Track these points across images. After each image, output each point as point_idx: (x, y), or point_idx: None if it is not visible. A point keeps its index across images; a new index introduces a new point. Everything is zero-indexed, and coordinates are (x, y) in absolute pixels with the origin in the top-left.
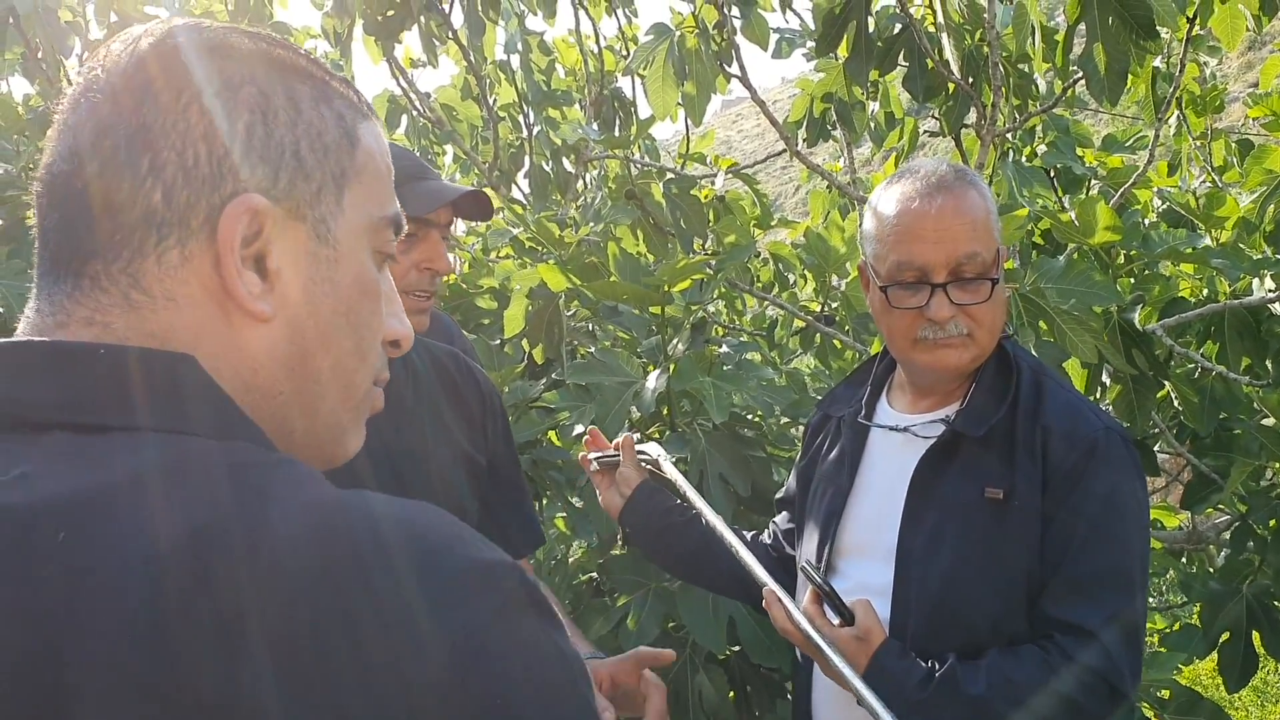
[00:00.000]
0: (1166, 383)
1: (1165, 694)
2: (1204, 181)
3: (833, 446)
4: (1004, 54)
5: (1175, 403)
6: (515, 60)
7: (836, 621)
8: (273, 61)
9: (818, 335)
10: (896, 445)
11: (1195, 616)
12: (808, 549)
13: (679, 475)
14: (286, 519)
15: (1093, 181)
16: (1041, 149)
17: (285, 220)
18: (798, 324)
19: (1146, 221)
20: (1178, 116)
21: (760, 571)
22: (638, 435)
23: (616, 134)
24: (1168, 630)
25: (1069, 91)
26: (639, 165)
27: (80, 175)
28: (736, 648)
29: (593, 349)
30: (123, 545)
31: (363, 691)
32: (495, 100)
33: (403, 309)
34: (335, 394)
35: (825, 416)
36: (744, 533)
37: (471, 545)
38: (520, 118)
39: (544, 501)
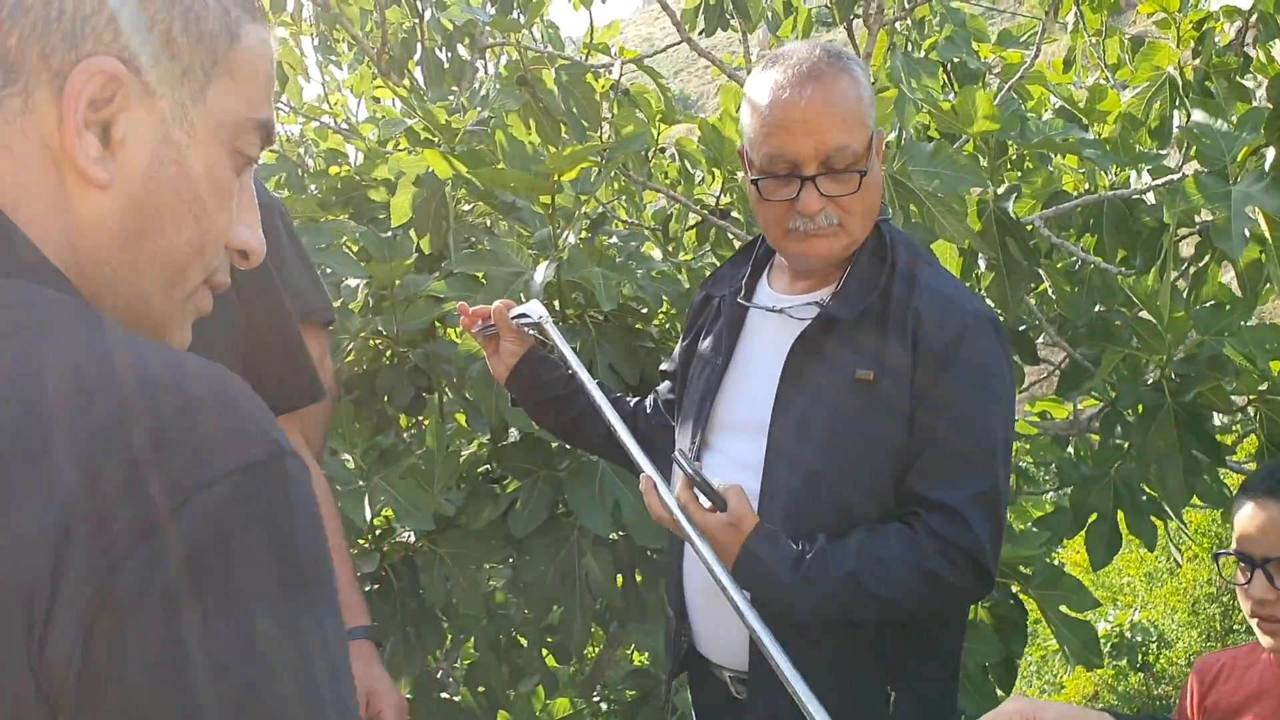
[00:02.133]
0: (1041, 273)
1: (1029, 571)
2: (1097, 78)
3: (713, 326)
4: None
5: (1051, 293)
6: None
7: (709, 507)
8: None
9: (713, 230)
10: (773, 326)
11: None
12: (683, 426)
13: (561, 339)
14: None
15: (988, 76)
16: (941, 44)
17: (141, 94)
18: (693, 218)
19: (1043, 117)
20: (1075, 13)
21: (638, 455)
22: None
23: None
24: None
25: None
26: (534, 52)
27: None
28: (622, 532)
29: (485, 239)
30: None
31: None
32: None
33: (259, 223)
34: (162, 280)
35: (708, 297)
36: (625, 399)
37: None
38: (411, 0)
39: (442, 397)
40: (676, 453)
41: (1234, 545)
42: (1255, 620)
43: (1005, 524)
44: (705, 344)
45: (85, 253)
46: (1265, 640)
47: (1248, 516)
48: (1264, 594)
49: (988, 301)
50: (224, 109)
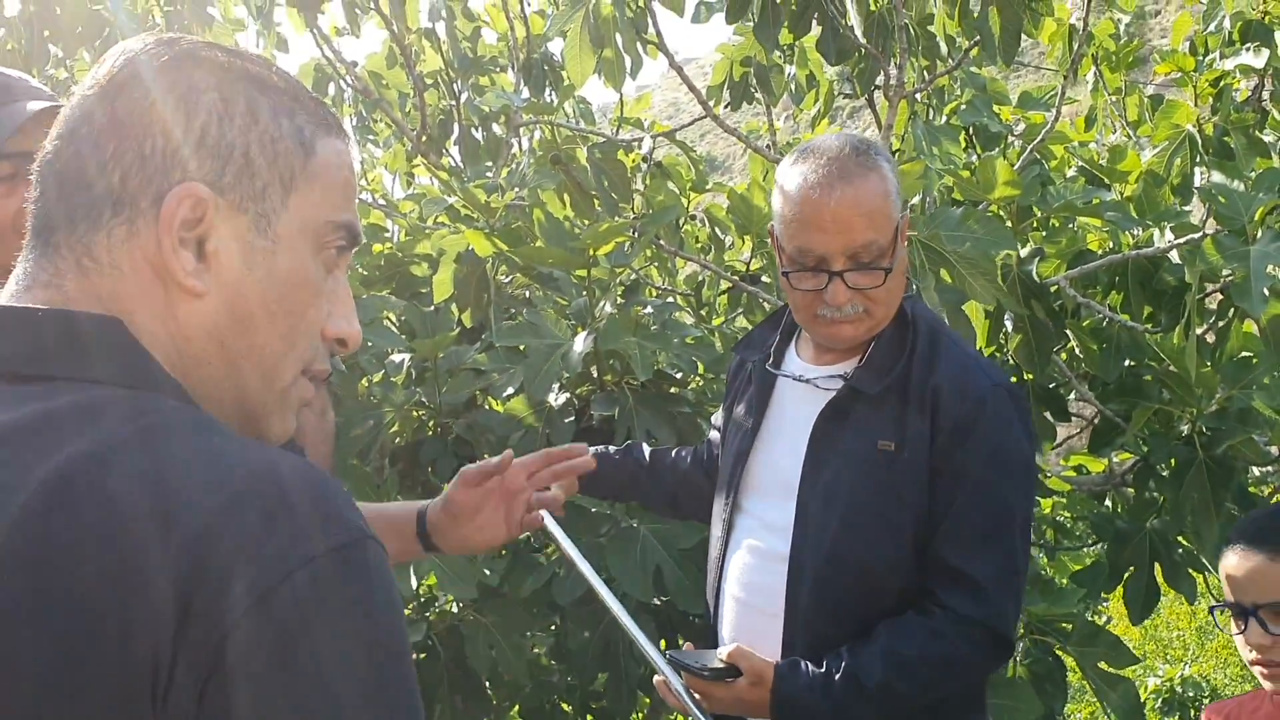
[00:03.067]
0: (1068, 332)
1: (1068, 626)
2: (1119, 136)
3: (745, 391)
4: (909, 16)
5: (1079, 352)
6: (440, 28)
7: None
8: (242, 74)
9: (744, 295)
10: (801, 394)
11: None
12: (719, 489)
13: (560, 534)
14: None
15: (1010, 138)
16: (963, 108)
17: (228, 210)
18: (724, 284)
19: (1067, 174)
20: (1094, 73)
21: (651, 651)
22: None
23: (545, 99)
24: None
25: (971, 51)
26: (568, 130)
27: (60, 156)
28: (665, 598)
29: (524, 312)
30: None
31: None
32: (421, 68)
33: (354, 314)
34: (259, 374)
35: (741, 361)
36: (668, 450)
37: (336, 506)
38: (448, 84)
39: None
40: (670, 654)
41: (1225, 596)
42: (1256, 667)
43: (1024, 593)
44: (739, 409)
45: (190, 356)
46: (1268, 685)
47: (1234, 566)
48: (1260, 640)
49: (1011, 366)
50: (305, 216)
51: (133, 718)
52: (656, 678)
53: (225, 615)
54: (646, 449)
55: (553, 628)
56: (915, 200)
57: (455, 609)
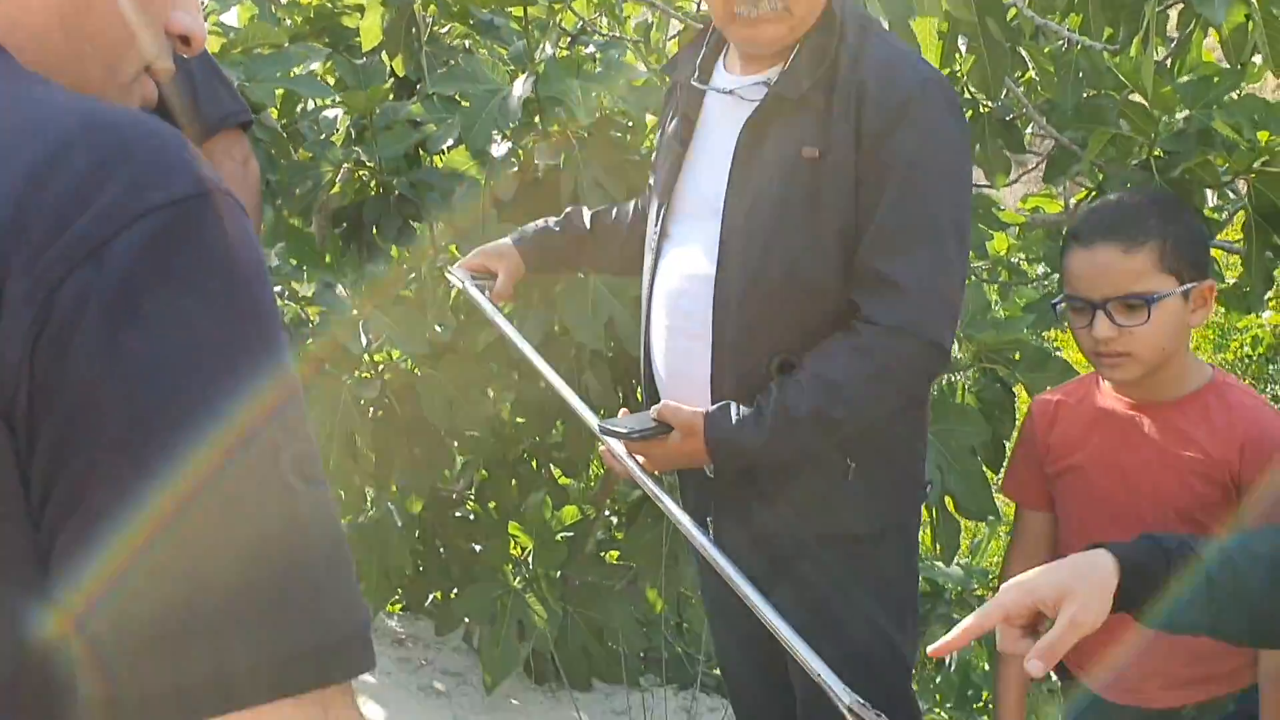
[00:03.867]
0: (1025, 55)
1: (1017, 355)
2: None
3: (676, 112)
4: None
5: (1036, 77)
6: None
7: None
8: None
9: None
10: (727, 108)
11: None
12: (651, 215)
13: (483, 300)
14: None
15: None
16: None
17: None
18: (676, 26)
19: None
20: None
21: (586, 413)
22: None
23: None
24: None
25: None
26: None
27: None
28: (617, 347)
29: (459, 58)
30: None
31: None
32: None
33: (200, 12)
34: (101, 63)
35: (674, 85)
36: (610, 208)
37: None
38: None
39: (431, 227)
40: (601, 425)
41: (1070, 292)
42: (1098, 359)
43: (959, 294)
44: (668, 133)
45: (27, 28)
46: (1111, 375)
47: (1084, 260)
48: (1107, 333)
49: (967, 94)
50: None
51: None
52: (601, 447)
53: (52, 270)
54: (587, 213)
55: (500, 380)
56: None
57: (409, 365)
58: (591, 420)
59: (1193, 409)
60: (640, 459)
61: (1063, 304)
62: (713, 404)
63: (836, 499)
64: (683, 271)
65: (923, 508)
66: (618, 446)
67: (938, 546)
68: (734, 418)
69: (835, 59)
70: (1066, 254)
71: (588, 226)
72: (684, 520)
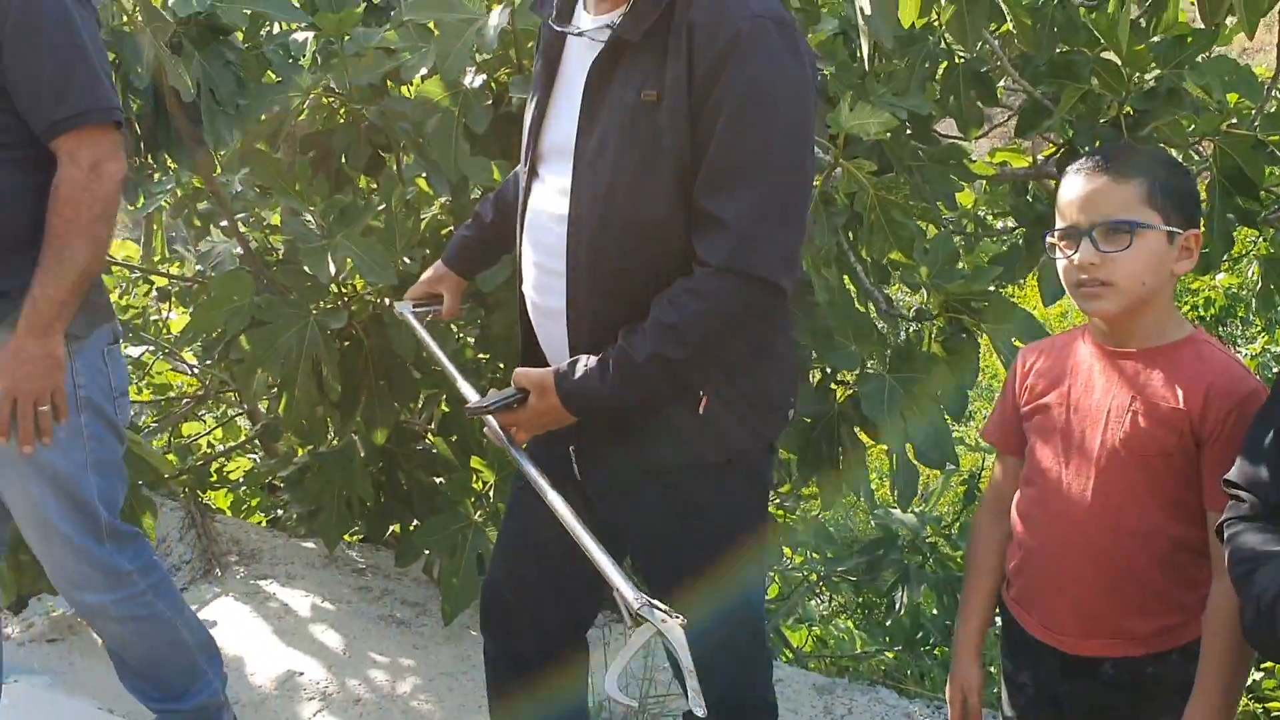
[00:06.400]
0: (1003, 6)
1: (983, 305)
2: None
3: (540, 54)
4: None
5: (1013, 28)
6: None
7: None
8: None
9: None
10: (582, 50)
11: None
12: (522, 160)
13: (419, 328)
14: None
15: None
16: None
17: None
18: None
19: None
20: None
21: (468, 391)
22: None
23: None
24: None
25: None
26: None
27: None
28: None
29: None
30: None
31: None
32: None
33: None
34: None
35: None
36: (511, 179)
37: None
38: None
39: (399, 159)
40: (466, 410)
41: (1060, 224)
42: (1079, 290)
43: (793, 230)
44: (536, 70)
45: None
46: (1087, 305)
47: (1077, 186)
48: (1090, 258)
49: (945, 44)
50: None
51: None
52: (487, 430)
53: None
54: (489, 201)
55: (467, 315)
56: None
57: (377, 299)
58: (470, 393)
59: (1167, 359)
60: (511, 430)
61: (1052, 236)
62: (569, 338)
63: (687, 429)
64: (544, 210)
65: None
66: (490, 421)
67: (894, 493)
68: (580, 370)
69: (673, 0)
70: (1061, 187)
71: (490, 215)
72: (540, 482)
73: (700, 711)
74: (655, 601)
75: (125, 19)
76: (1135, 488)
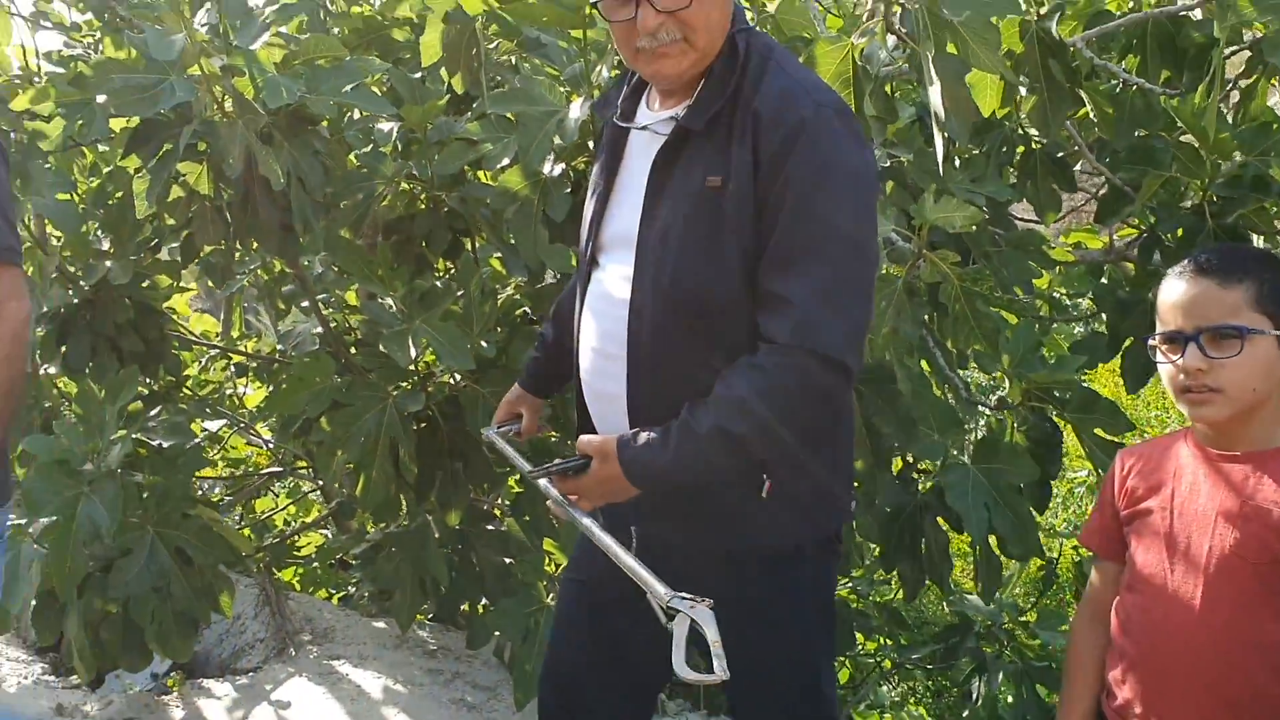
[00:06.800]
0: (1083, 95)
1: (1066, 394)
2: None
3: (603, 150)
4: None
5: (1092, 115)
6: None
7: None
8: None
9: None
10: (645, 144)
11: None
12: (580, 257)
13: (506, 446)
14: None
15: None
16: None
17: None
18: None
19: None
20: None
21: (523, 466)
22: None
23: None
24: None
25: None
26: None
27: None
28: None
29: (516, 80)
30: None
31: None
32: None
33: None
34: None
35: (604, 123)
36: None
37: None
38: None
39: (476, 242)
40: (526, 473)
41: (1162, 329)
42: (1185, 396)
43: (860, 311)
44: (595, 172)
45: None
46: (1194, 411)
47: (1180, 291)
48: (1197, 363)
49: (1023, 131)
50: None
51: None
52: (547, 501)
53: None
54: (549, 322)
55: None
56: None
57: (454, 380)
58: (525, 466)
59: (1277, 463)
60: (573, 497)
61: (1153, 340)
62: (630, 423)
63: (750, 515)
64: (604, 296)
65: (843, 527)
66: (550, 489)
67: (978, 584)
68: (643, 439)
69: (737, 89)
70: (1161, 290)
71: (551, 334)
72: (593, 527)
73: (723, 674)
74: (683, 594)
75: (217, 110)
76: (1247, 596)
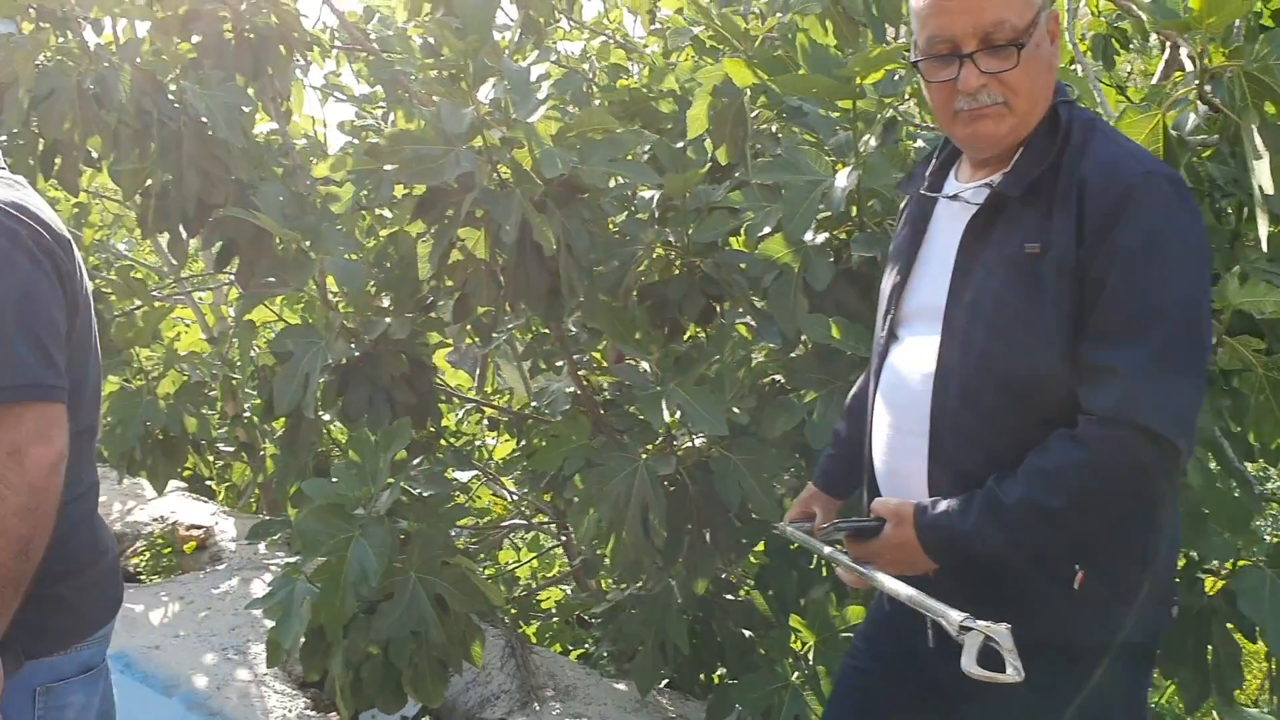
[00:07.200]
0: None
1: None
2: None
3: (907, 222)
4: None
5: None
6: None
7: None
8: None
9: None
10: (953, 213)
11: None
12: (877, 326)
13: (806, 539)
14: None
15: None
16: None
17: None
18: None
19: None
20: None
21: (808, 539)
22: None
23: None
24: None
25: None
26: None
27: None
28: None
29: (778, 150)
30: None
31: None
32: None
33: None
34: None
35: (908, 199)
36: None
37: None
38: None
39: (725, 306)
40: (819, 534)
41: None
42: None
43: (1191, 388)
44: (898, 240)
45: None
46: None
47: None
48: None
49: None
50: None
51: None
52: (836, 569)
53: None
54: (843, 418)
55: (794, 469)
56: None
57: (704, 446)
58: (810, 539)
59: None
60: (862, 556)
61: None
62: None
63: (1060, 606)
64: (904, 370)
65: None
66: (837, 556)
67: (1273, 698)
68: (942, 506)
69: (1058, 158)
70: None
71: (845, 430)
72: (900, 587)
73: (1017, 675)
74: (974, 618)
75: (494, 179)
76: None
